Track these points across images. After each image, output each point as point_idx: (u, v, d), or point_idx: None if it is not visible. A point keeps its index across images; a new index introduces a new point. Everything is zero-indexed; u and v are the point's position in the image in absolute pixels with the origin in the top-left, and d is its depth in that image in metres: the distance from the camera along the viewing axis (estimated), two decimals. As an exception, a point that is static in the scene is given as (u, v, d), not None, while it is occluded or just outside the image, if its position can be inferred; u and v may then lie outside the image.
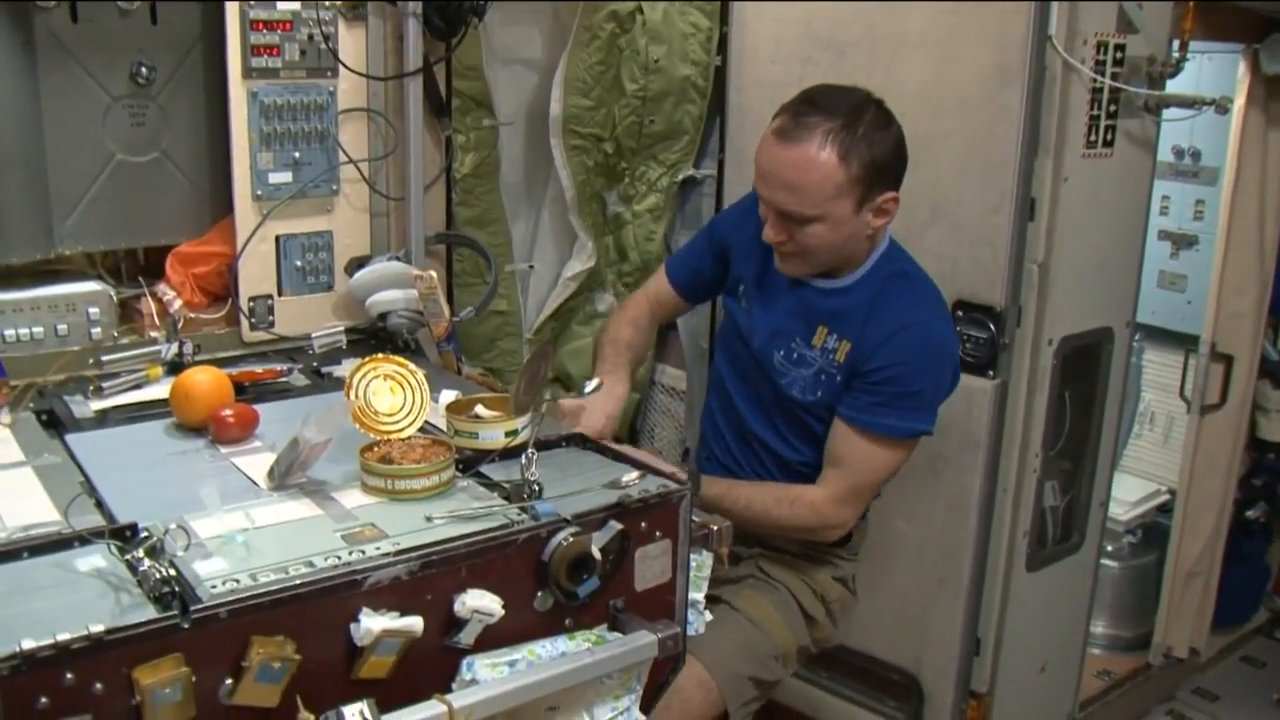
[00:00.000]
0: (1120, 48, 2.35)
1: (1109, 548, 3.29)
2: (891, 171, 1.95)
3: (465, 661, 1.44)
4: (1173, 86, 2.49)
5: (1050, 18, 2.24)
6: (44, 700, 1.14)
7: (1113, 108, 2.38)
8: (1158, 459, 3.67)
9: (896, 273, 2.07)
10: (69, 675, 1.15)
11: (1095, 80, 2.32)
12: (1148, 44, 2.41)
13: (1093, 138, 2.38)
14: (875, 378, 2.00)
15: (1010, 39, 2.26)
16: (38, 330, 2.09)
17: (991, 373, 2.39)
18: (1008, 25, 2.26)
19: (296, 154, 2.28)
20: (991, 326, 2.37)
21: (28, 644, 1.12)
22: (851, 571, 2.29)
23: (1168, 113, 2.52)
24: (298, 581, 1.30)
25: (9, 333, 2.06)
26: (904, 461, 2.09)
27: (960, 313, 2.41)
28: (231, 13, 2.16)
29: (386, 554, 1.38)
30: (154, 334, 2.20)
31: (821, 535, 2.12)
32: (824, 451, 2.09)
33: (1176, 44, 2.45)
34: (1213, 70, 3.14)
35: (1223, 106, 2.48)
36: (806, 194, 1.90)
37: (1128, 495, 3.46)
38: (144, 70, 2.16)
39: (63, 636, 1.14)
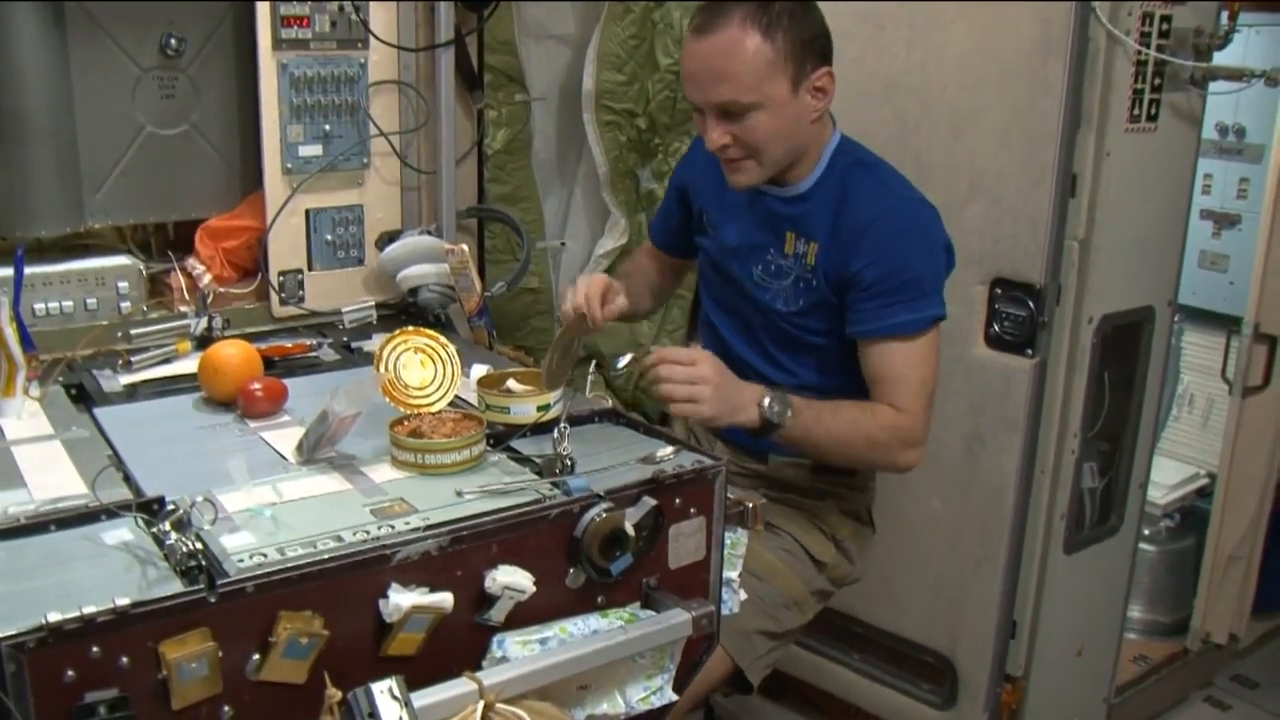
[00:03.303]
0: (1166, 19, 2.29)
1: (1146, 531, 3.24)
2: (818, 46, 1.90)
3: (496, 639, 1.42)
4: (1219, 60, 2.44)
5: (1094, -13, 2.19)
6: (70, 673, 1.13)
7: (1157, 81, 2.33)
8: (1197, 442, 3.61)
9: (852, 164, 1.99)
10: (95, 648, 1.14)
11: (1140, 52, 2.27)
12: (1195, 15, 2.35)
13: (1136, 112, 2.33)
14: (865, 280, 1.91)
15: (1053, 10, 2.21)
16: (67, 304, 2.09)
17: (1030, 351, 2.35)
18: (1050, -5, 2.21)
19: (327, 127, 2.27)
20: (1031, 305, 2.33)
21: (54, 616, 1.11)
22: (865, 504, 2.20)
23: (1213, 86, 2.46)
24: (326, 556, 1.28)
25: (39, 306, 2.06)
26: (937, 353, 1.98)
27: (999, 290, 2.37)
28: (261, -17, 2.15)
29: (416, 529, 1.36)
30: (183, 308, 2.20)
31: (901, 451, 1.95)
32: (848, 371, 1.99)
33: (1225, 15, 2.39)
34: (1260, 43, 3.07)
35: (1273, 79, 2.41)
36: (740, 78, 1.84)
37: (1166, 478, 3.40)
38: (174, 42, 2.15)
39: (89, 609, 1.12)
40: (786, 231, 2.01)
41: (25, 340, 1.78)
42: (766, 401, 1.82)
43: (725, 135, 1.89)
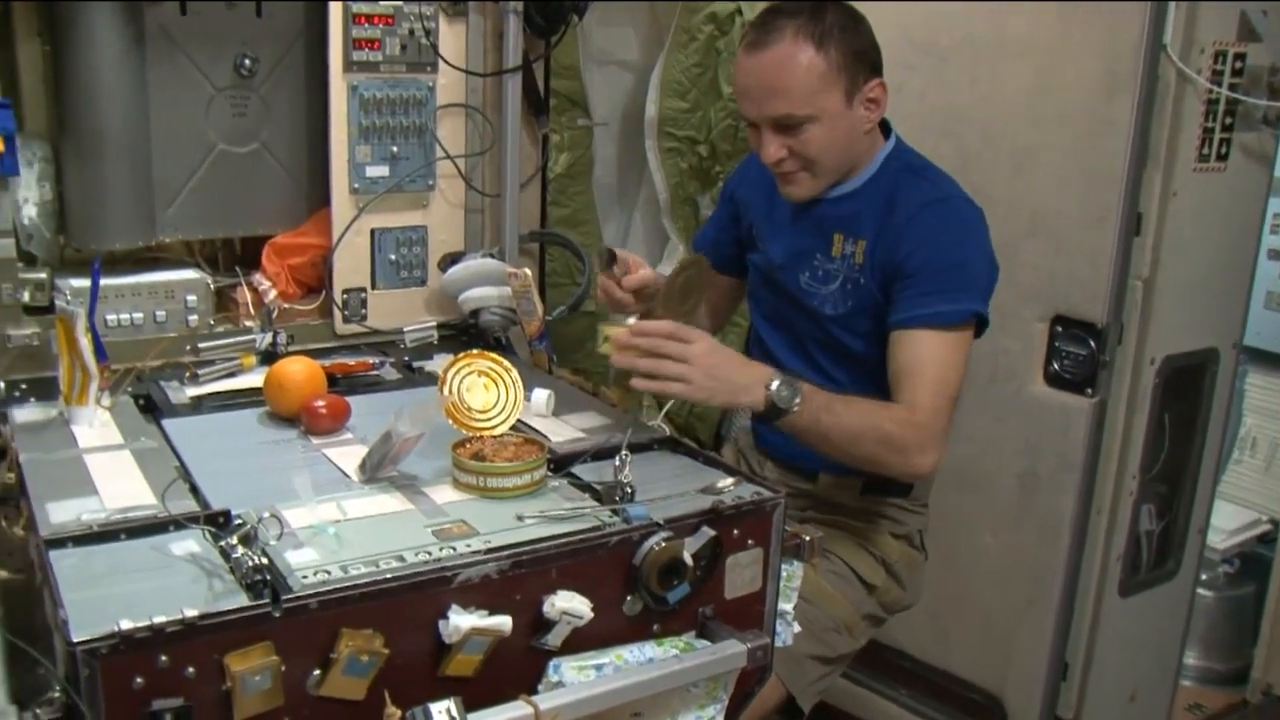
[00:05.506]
0: (1240, 56, 2.27)
1: (1204, 576, 3.18)
2: (869, 58, 1.91)
3: (552, 663, 1.42)
4: (1293, 99, 2.41)
5: (1166, 25, 2.17)
6: (139, 680, 1.15)
7: (1229, 120, 2.31)
8: (1259, 486, 3.54)
9: (904, 167, 1.99)
10: (163, 658, 1.16)
11: (1211, 91, 2.25)
12: (1270, 53, 2.32)
13: (1205, 151, 2.30)
14: (909, 268, 1.89)
15: (1121, 46, 2.20)
16: (138, 316, 2.13)
17: (1090, 391, 2.32)
18: (1119, 32, 2.20)
19: (394, 148, 2.30)
20: (1091, 343, 2.31)
21: (126, 624, 1.13)
22: (918, 527, 2.16)
23: (1288, 126, 2.43)
24: (388, 575, 1.30)
25: (111, 317, 2.10)
26: (965, 358, 1.91)
27: (1059, 328, 2.35)
28: (334, 6, 2.18)
29: (477, 551, 1.37)
30: (249, 323, 2.23)
31: (916, 451, 1.83)
32: (886, 383, 1.90)
33: (1300, 54, 2.37)
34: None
35: (1348, 120, 2.38)
36: (794, 92, 1.86)
37: (1226, 523, 3.34)
38: (247, 62, 2.19)
39: (159, 619, 1.14)
40: (834, 234, 2.01)
41: (99, 350, 1.82)
42: (775, 385, 1.73)
43: (781, 149, 1.91)
